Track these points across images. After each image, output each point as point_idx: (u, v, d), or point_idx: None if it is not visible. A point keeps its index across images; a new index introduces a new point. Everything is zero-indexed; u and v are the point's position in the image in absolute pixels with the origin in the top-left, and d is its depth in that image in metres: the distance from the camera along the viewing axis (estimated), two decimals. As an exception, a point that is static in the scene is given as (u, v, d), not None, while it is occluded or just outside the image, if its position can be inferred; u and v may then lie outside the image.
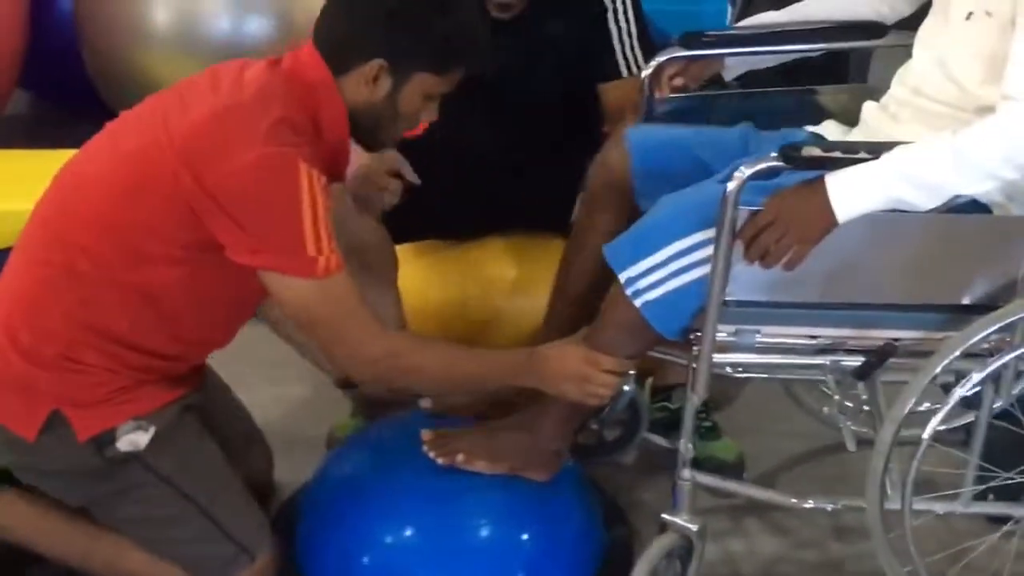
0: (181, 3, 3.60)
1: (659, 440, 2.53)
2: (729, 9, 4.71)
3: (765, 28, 2.36)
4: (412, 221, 2.50)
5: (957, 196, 1.87)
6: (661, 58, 2.33)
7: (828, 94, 2.39)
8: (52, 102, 4.40)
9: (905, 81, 2.15)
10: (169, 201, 1.88)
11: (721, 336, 1.99)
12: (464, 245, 2.72)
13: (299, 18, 3.40)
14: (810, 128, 2.26)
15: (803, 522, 2.43)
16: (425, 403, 2.34)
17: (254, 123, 1.85)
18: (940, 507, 2.11)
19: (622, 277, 1.99)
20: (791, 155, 1.87)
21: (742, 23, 2.41)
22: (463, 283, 2.68)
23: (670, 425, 2.51)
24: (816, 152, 1.88)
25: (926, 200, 1.86)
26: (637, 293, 1.98)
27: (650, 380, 2.53)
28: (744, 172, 1.87)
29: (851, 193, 1.86)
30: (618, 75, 2.51)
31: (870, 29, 2.33)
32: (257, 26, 3.54)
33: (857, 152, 1.88)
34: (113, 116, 2.07)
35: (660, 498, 2.44)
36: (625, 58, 2.51)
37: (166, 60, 3.61)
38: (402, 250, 2.58)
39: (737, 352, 2.04)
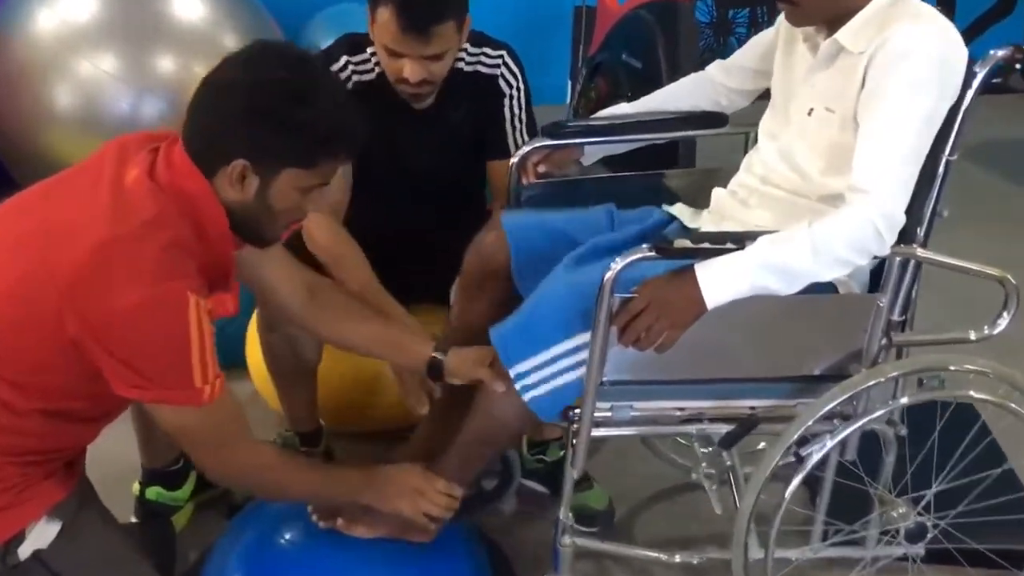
0: (82, 87, 3.14)
1: (537, 487, 2.26)
2: (569, 84, 4.45)
3: (618, 119, 2.06)
4: None
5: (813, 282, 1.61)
6: (526, 148, 2.01)
7: (674, 177, 2.10)
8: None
9: (753, 170, 1.87)
10: (53, 339, 1.46)
11: (598, 413, 1.69)
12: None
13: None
14: (665, 207, 1.97)
15: (660, 564, 2.12)
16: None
17: (140, 256, 1.44)
18: (794, 554, 1.86)
19: (512, 372, 1.67)
20: (663, 247, 1.58)
21: (598, 114, 2.11)
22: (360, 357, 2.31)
23: (546, 475, 2.26)
24: (686, 244, 1.60)
25: (786, 287, 1.58)
26: (526, 388, 1.66)
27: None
28: (619, 263, 1.58)
29: (719, 282, 1.57)
30: (507, 156, 2.16)
31: (711, 120, 2.05)
32: (152, 108, 3.11)
33: (724, 243, 1.59)
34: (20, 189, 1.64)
35: (540, 538, 2.14)
36: (515, 141, 2.19)
37: (69, 140, 3.16)
38: None
39: (612, 427, 1.73)
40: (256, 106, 1.48)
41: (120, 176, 1.52)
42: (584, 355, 1.63)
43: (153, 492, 2.15)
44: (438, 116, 2.13)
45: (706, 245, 1.59)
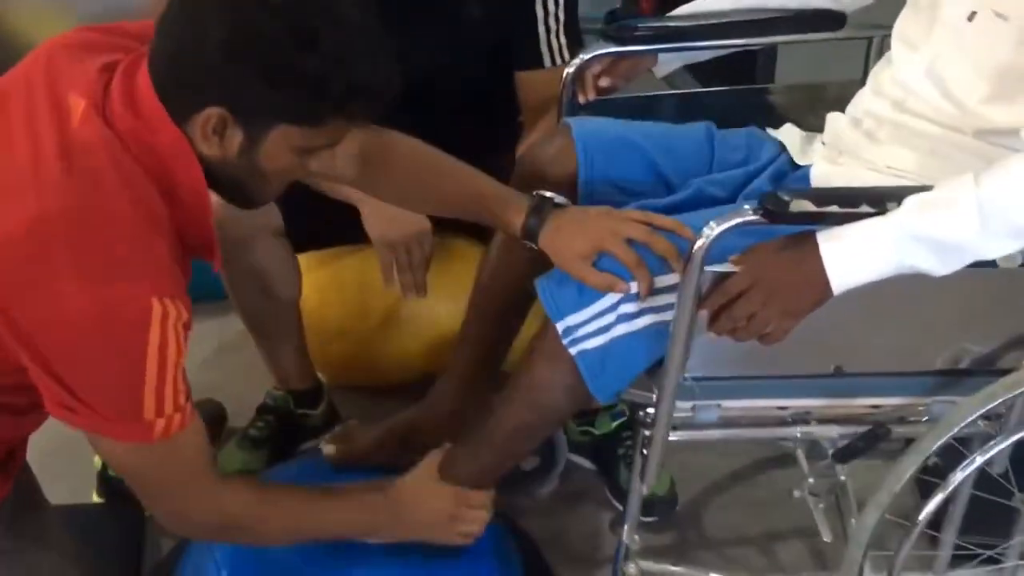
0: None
1: (583, 462, 2.00)
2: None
3: (704, 19, 1.68)
4: (322, 229, 1.90)
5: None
6: (586, 56, 1.64)
7: (778, 92, 1.73)
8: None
9: (884, 91, 1.50)
10: None
11: (677, 414, 1.38)
12: (367, 250, 1.97)
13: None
14: (771, 131, 1.63)
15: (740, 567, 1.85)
16: (328, 449, 1.70)
17: (94, 240, 1.13)
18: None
19: (560, 326, 1.36)
20: (775, 210, 1.22)
21: (676, 12, 1.72)
22: (364, 289, 2.03)
23: (593, 449, 1.99)
24: (808, 206, 1.24)
25: (942, 266, 1.24)
26: (575, 342, 1.36)
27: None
28: (714, 228, 1.24)
29: (852, 260, 1.24)
30: (539, 64, 1.85)
31: (827, 19, 1.67)
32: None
33: (858, 204, 1.24)
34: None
35: (584, 529, 1.90)
36: (549, 47, 1.84)
37: (41, 23, 2.81)
38: (305, 259, 1.98)
39: (694, 429, 1.42)
40: (240, 45, 1.13)
41: (59, 110, 1.19)
42: (649, 301, 1.33)
43: (118, 467, 1.89)
44: (453, 6, 1.79)
45: (834, 208, 1.24)
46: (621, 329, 1.36)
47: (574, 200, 1.51)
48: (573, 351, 1.36)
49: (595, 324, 1.36)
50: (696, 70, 1.84)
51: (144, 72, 1.19)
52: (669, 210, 1.43)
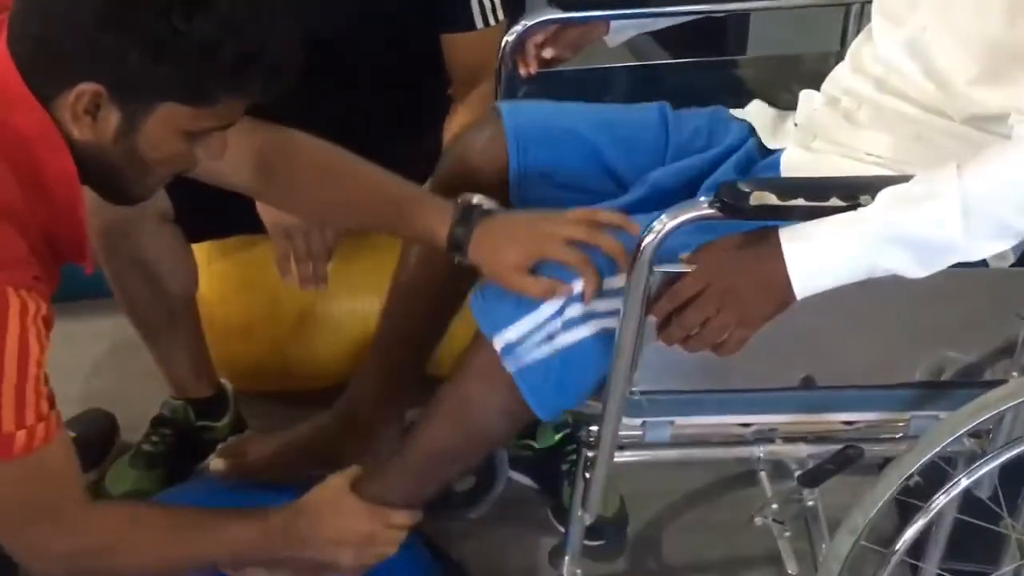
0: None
1: (523, 479, 1.96)
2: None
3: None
4: (219, 216, 1.79)
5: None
6: (528, 22, 1.57)
7: (747, 65, 1.69)
8: None
9: (864, 68, 1.44)
10: None
11: (624, 432, 1.32)
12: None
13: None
14: (735, 112, 1.57)
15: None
16: (216, 464, 1.64)
17: None
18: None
19: (498, 343, 1.30)
20: (733, 203, 1.17)
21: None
22: (275, 283, 1.91)
23: (534, 464, 1.95)
24: (770, 199, 1.18)
25: (921, 267, 1.19)
26: (515, 358, 1.30)
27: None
28: (664, 223, 1.18)
29: (818, 261, 1.18)
30: (470, 26, 1.79)
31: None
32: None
33: (827, 197, 1.18)
34: None
35: (524, 555, 1.85)
36: (480, 5, 1.78)
37: None
38: (203, 249, 1.92)
39: (643, 450, 1.36)
40: (116, 8, 1.07)
41: None
42: (597, 305, 1.26)
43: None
44: None
45: (800, 201, 1.18)
46: (567, 338, 1.29)
47: (504, 199, 1.45)
48: (512, 368, 1.30)
49: (538, 335, 1.30)
50: (661, 37, 1.78)
51: (2, 43, 1.12)
52: (624, 211, 1.36)
